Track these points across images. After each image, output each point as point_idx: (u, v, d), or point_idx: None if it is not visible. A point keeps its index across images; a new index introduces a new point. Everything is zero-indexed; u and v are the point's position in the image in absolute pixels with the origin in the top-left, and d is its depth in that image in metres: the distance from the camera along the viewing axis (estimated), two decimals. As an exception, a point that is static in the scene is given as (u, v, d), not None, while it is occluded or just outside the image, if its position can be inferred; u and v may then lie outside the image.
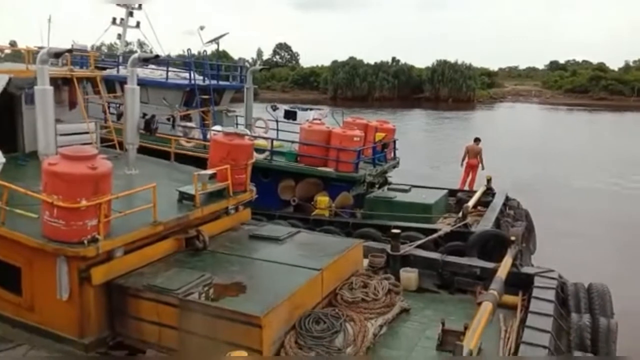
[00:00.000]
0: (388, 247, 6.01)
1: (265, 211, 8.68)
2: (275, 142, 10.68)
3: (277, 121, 13.54)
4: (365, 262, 5.78)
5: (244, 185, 6.07)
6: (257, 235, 5.66)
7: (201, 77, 12.14)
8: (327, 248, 5.29)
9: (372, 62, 71.28)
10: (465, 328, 3.63)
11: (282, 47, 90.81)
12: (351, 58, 71.95)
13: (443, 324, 3.94)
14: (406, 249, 6.00)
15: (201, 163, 6.61)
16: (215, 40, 12.91)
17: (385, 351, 4.22)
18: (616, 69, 70.04)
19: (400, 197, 9.57)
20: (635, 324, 6.00)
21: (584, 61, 76.10)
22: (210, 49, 13.37)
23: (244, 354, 3.22)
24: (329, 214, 9.28)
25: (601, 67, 69.51)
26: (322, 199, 9.34)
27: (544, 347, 3.85)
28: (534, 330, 4.11)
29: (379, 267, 5.77)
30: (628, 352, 4.66)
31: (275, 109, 15.16)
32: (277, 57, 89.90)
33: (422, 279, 5.69)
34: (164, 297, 4.03)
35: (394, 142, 12.14)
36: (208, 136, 9.64)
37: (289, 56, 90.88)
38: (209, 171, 5.73)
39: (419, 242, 6.41)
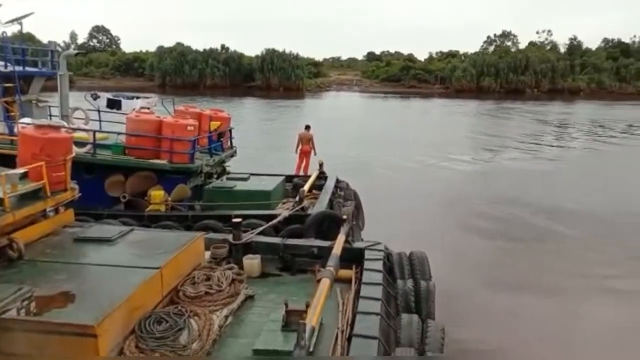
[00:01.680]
0: (230, 237, 5.97)
1: (91, 211, 7.94)
2: (98, 134, 9.80)
3: (99, 111, 12.43)
4: (208, 254, 5.67)
5: (63, 184, 5.48)
6: (84, 238, 5.16)
7: (2, 63, 10.51)
8: (164, 244, 5.05)
9: (200, 49, 69.34)
10: (307, 306, 3.80)
11: (99, 30, 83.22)
12: (178, 44, 69.08)
13: (286, 304, 4.07)
14: (248, 236, 6.04)
15: (8, 161, 5.78)
16: (18, 20, 11.23)
17: (231, 340, 4.21)
18: (422, 60, 79.20)
19: (239, 186, 9.57)
20: (449, 283, 6.92)
21: (396, 52, 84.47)
22: (12, 30, 11.64)
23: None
24: (166, 209, 8.87)
25: (410, 58, 77.98)
26: (157, 193, 8.87)
27: (376, 314, 4.22)
28: (366, 300, 4.48)
29: (221, 257, 5.71)
30: (444, 308, 5.38)
31: (95, 97, 13.82)
32: (95, 41, 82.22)
33: (265, 264, 5.79)
34: (-28, 320, 3.45)
35: (230, 130, 12.05)
36: (15, 130, 8.47)
37: (107, 40, 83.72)
38: (19, 170, 5.03)
39: (260, 228, 6.50)
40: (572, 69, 69.29)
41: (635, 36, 76.04)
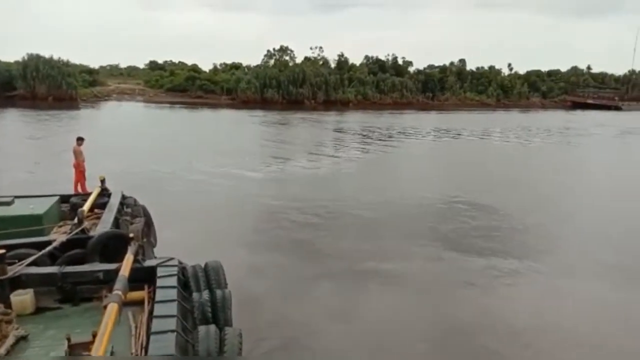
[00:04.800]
0: (-8, 273, 5.11)
1: None
2: None
3: None
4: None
5: None
6: None
7: None
8: None
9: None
10: (94, 336, 3.51)
11: None
12: None
13: (69, 339, 3.68)
14: (16, 269, 5.25)
15: None
16: None
17: (2, 392, 3.63)
18: (207, 70, 79.21)
19: (1, 211, 8.22)
20: (242, 289, 7.11)
21: (180, 62, 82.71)
22: None
23: None
24: None
25: (195, 69, 77.27)
26: None
27: (172, 331, 4.11)
28: (161, 319, 4.33)
29: (-19, 298, 4.85)
30: (244, 313, 5.52)
31: None
32: None
33: (40, 298, 5.12)
34: None
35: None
36: None
37: None
38: None
39: (31, 258, 5.70)
40: (342, 83, 77.51)
41: (389, 54, 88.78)
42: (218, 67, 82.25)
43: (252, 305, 7.65)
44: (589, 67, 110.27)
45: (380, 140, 34.44)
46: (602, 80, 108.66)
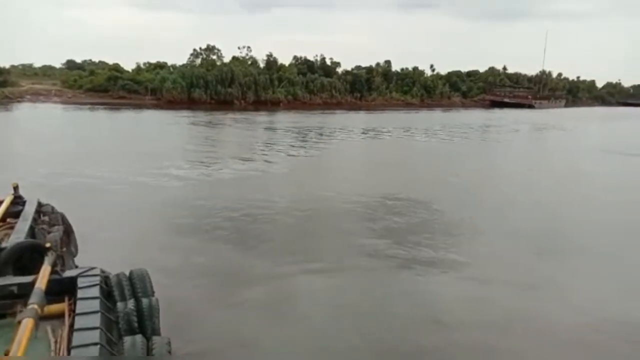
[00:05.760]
0: None
1: None
2: None
3: None
4: None
5: None
6: None
7: None
8: None
9: None
10: (7, 354, 3.28)
11: None
12: None
13: (-22, 360, 3.42)
14: None
15: None
16: None
17: None
18: (130, 70, 76.12)
19: None
20: (170, 296, 6.92)
21: (100, 62, 78.92)
22: None
23: None
24: None
25: (117, 68, 73.99)
26: None
27: (95, 344, 3.93)
28: (82, 332, 4.12)
29: None
30: (170, 320, 5.36)
31: None
32: None
33: (-57, 318, 4.71)
34: None
35: None
36: None
37: None
38: None
39: None
40: (272, 83, 77.28)
41: (317, 55, 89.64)
42: (142, 66, 79.28)
43: (181, 312, 7.46)
44: (504, 68, 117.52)
45: (312, 139, 34.73)
46: (516, 80, 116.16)
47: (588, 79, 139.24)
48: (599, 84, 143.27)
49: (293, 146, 30.82)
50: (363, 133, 41.18)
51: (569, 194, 19.31)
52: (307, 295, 9.19)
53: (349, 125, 47.00)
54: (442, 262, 11.04)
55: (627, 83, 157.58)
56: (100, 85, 68.56)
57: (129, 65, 77.47)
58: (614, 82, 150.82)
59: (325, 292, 9.38)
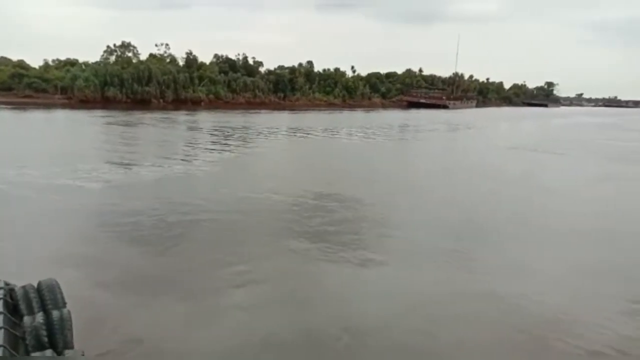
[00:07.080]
0: None
1: None
2: None
3: None
4: None
5: None
6: None
7: None
8: None
9: None
10: None
11: None
12: None
13: None
14: None
15: None
16: None
17: None
18: (37, 67, 71.04)
19: None
20: (82, 306, 6.59)
21: (2, 57, 72.88)
22: None
23: None
24: None
25: (22, 65, 68.77)
26: None
27: (-2, 362, 3.68)
28: (-16, 350, 3.85)
29: None
30: (83, 331, 5.11)
31: None
32: None
33: None
34: None
35: None
36: None
37: None
38: None
39: None
40: (192, 81, 75.41)
41: (239, 54, 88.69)
42: (50, 63, 74.29)
43: (97, 321, 7.10)
44: (420, 70, 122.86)
45: (238, 139, 34.23)
46: (432, 81, 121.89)
47: (497, 80, 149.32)
48: (507, 85, 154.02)
49: (217, 146, 30.26)
50: (289, 133, 41.29)
51: (479, 188, 20.62)
52: (227, 296, 9.08)
53: (274, 125, 46.87)
54: (356, 254, 11.37)
55: (531, 84, 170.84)
56: (3, 83, 63.42)
57: (35, 62, 72.39)
58: (520, 83, 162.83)
59: (247, 291, 9.33)
